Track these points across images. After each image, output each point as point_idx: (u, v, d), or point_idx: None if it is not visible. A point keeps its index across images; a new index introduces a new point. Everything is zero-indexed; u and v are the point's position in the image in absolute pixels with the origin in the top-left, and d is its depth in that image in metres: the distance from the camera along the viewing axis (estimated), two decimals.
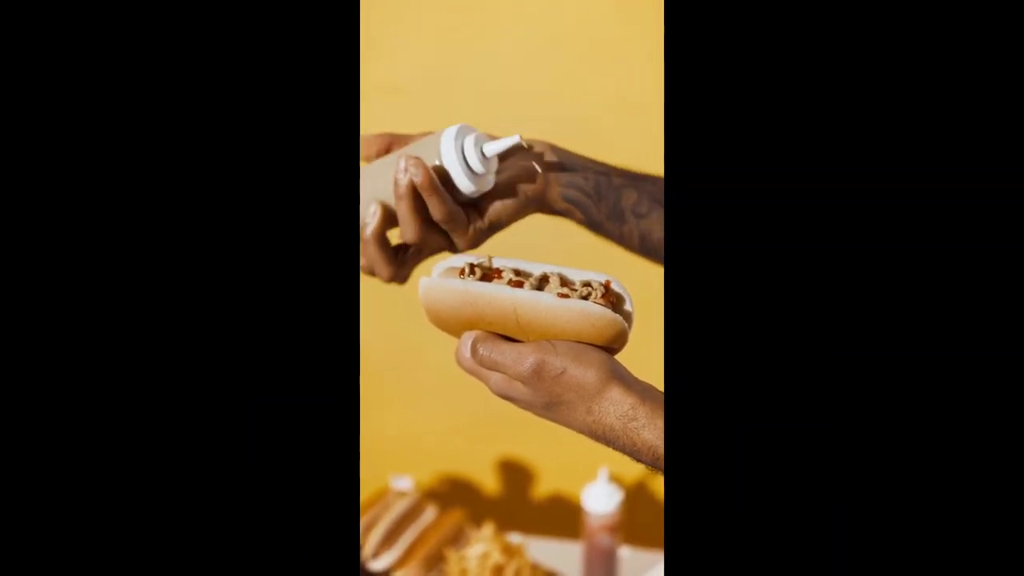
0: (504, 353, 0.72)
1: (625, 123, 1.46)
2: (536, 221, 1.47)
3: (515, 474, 1.74)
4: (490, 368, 0.73)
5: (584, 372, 0.70)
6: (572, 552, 1.52)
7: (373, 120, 1.49)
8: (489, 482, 1.76)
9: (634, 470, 1.67)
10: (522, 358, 0.71)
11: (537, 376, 0.70)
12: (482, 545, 1.46)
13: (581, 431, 0.72)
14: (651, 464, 0.70)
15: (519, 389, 0.72)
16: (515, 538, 1.53)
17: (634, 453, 0.70)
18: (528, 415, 1.67)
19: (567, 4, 1.43)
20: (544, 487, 1.74)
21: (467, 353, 0.74)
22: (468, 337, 0.74)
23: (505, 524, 1.63)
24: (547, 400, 0.71)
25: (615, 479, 1.59)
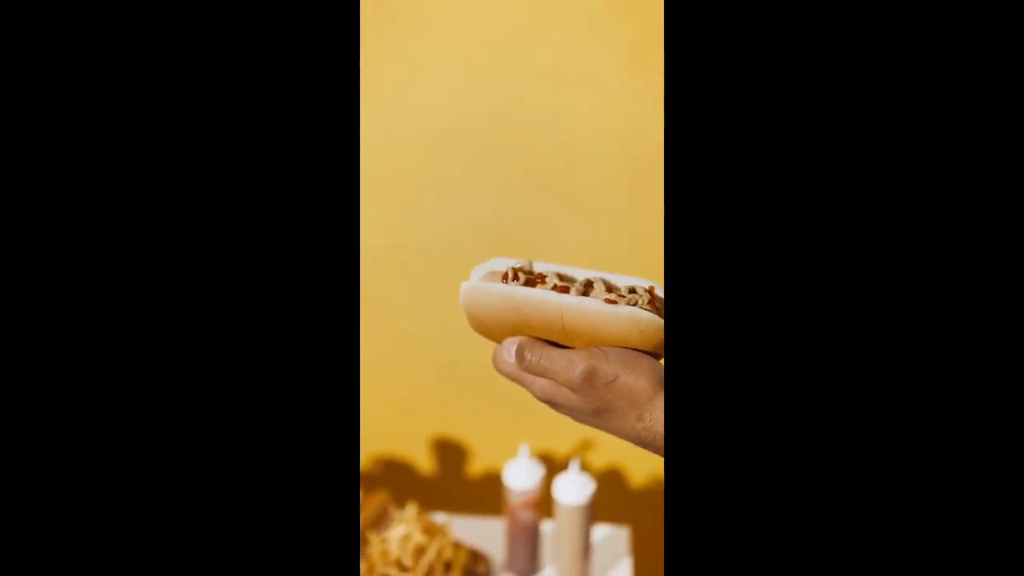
0: (553, 359, 0.71)
1: (626, 123, 1.46)
2: (568, 223, 1.47)
3: (448, 453, 1.72)
4: (538, 374, 0.72)
5: (636, 379, 0.70)
6: (496, 529, 1.52)
7: (373, 117, 1.43)
8: (423, 462, 1.73)
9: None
10: (573, 364, 0.70)
11: (588, 383, 0.70)
12: (403, 526, 1.43)
13: (629, 438, 0.71)
14: None
15: (567, 395, 0.71)
16: (440, 517, 1.52)
17: None
18: (459, 396, 1.66)
19: (567, 2, 1.41)
20: (477, 465, 1.73)
21: (511, 359, 0.73)
22: (512, 343, 0.73)
23: (436, 504, 1.61)
24: (596, 407, 0.71)
25: (539, 458, 1.60)
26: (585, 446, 1.67)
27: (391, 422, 1.68)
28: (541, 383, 0.72)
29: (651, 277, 0.73)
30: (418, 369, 1.64)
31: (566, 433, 1.63)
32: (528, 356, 0.72)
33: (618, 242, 1.52)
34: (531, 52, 1.43)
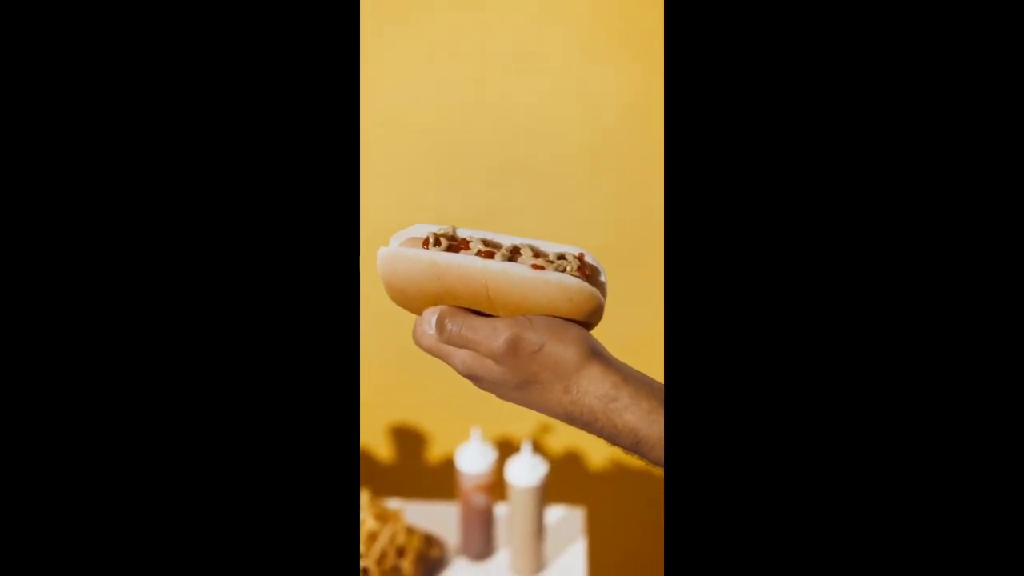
0: (475, 328, 0.67)
1: (626, 121, 1.45)
2: (503, 194, 1.48)
3: (403, 439, 1.71)
4: (459, 345, 0.68)
5: (563, 349, 0.66)
6: (450, 513, 1.51)
7: (374, 115, 1.41)
8: (378, 449, 1.71)
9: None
10: (496, 333, 0.66)
11: (512, 352, 0.66)
12: None
13: (555, 413, 0.68)
14: (630, 448, 0.66)
15: (490, 367, 0.67)
16: (394, 503, 1.50)
17: (613, 436, 0.66)
18: (415, 382, 1.64)
19: (568, 3, 1.41)
20: (432, 451, 1.71)
21: (430, 330, 0.69)
22: (431, 313, 0.69)
23: (390, 490, 1.60)
24: (521, 379, 0.67)
25: (497, 442, 1.59)
26: (543, 430, 1.66)
27: None
28: (463, 355, 0.68)
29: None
30: (375, 354, 1.63)
31: (523, 417, 1.62)
32: (449, 326, 0.68)
33: (615, 225, 1.52)
34: (539, 64, 1.45)
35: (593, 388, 0.66)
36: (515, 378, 0.67)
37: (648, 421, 0.65)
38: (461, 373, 0.70)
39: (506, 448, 1.62)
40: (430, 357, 0.70)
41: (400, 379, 1.63)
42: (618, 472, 1.70)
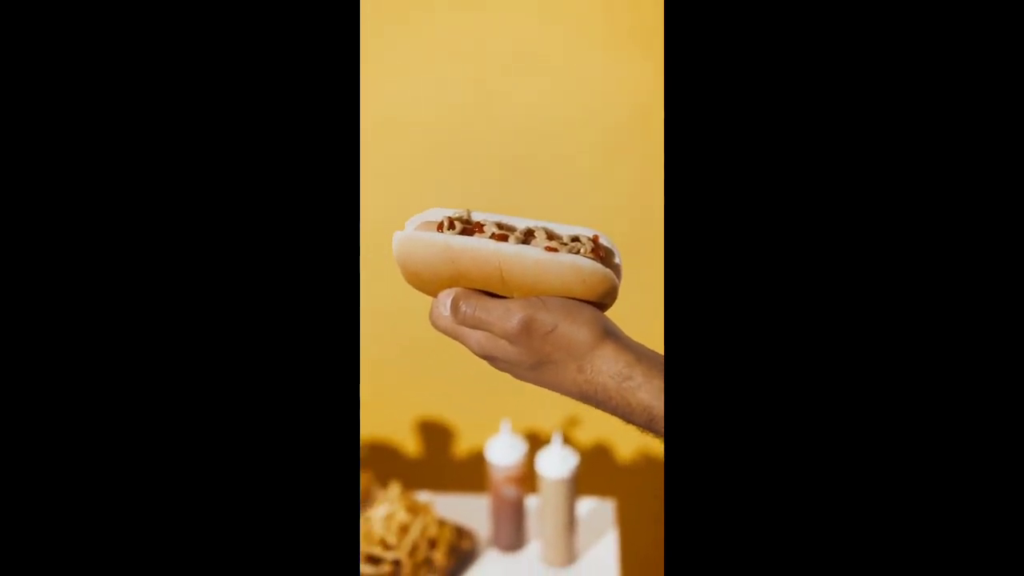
0: (489, 310, 0.68)
1: (626, 121, 1.46)
2: (517, 179, 1.49)
3: (432, 433, 1.72)
4: (473, 326, 0.69)
5: (576, 329, 0.66)
6: (481, 506, 1.51)
7: (374, 114, 1.43)
8: (407, 443, 1.72)
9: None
10: (510, 314, 0.67)
11: (526, 333, 0.67)
12: (387, 506, 1.43)
13: (570, 392, 0.68)
14: (645, 426, 0.67)
15: (504, 348, 0.68)
16: (424, 496, 1.51)
17: (627, 415, 0.67)
18: (443, 376, 1.65)
19: (568, 2, 1.42)
20: (461, 444, 1.72)
21: (446, 312, 0.70)
22: (447, 295, 0.70)
23: (421, 483, 1.61)
24: (535, 359, 0.68)
25: (525, 435, 1.60)
26: (571, 422, 1.66)
27: (376, 404, 1.68)
28: (477, 336, 0.69)
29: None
30: (402, 349, 1.64)
31: (551, 409, 1.63)
32: (463, 308, 0.69)
33: (615, 225, 1.52)
34: (539, 64, 1.45)
35: (607, 367, 0.66)
36: (529, 358, 0.68)
37: (662, 399, 0.65)
38: (476, 354, 0.70)
39: (535, 441, 1.63)
40: (457, 350, 0.72)
41: (428, 373, 1.64)
42: (648, 464, 1.69)
